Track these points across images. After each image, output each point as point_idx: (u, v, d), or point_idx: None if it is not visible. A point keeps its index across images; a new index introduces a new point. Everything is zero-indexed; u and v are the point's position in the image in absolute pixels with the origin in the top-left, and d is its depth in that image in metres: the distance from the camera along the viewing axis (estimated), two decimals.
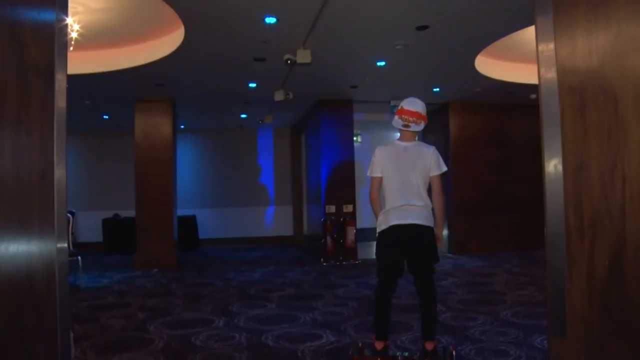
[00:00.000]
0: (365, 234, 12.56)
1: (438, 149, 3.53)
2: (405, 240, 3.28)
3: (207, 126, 11.88)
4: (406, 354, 3.51)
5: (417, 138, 3.48)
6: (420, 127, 3.40)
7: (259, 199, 12.46)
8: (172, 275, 7.71)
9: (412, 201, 3.28)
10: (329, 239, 8.74)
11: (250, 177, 12.36)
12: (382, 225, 3.40)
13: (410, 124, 3.37)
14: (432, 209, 3.34)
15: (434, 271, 3.33)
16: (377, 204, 3.44)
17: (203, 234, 11.91)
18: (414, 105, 3.40)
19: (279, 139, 12.58)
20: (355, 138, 11.48)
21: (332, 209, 9.05)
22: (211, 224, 12.14)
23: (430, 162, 3.35)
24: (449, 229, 9.84)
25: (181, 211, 10.67)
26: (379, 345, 3.37)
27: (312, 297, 5.88)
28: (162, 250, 8.48)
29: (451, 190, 9.76)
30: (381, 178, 3.42)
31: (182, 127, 11.49)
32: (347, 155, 9.23)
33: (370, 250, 10.49)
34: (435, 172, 3.35)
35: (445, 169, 3.41)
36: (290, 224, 12.56)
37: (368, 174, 3.50)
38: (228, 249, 11.67)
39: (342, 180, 9.15)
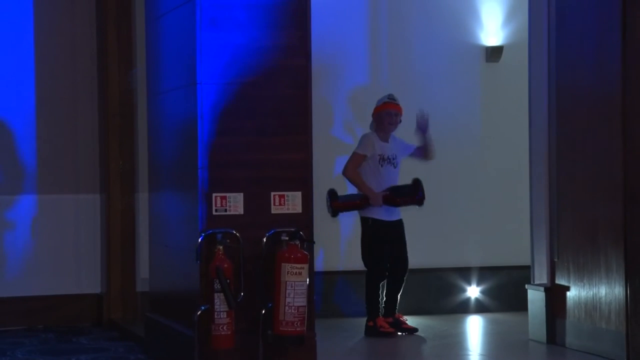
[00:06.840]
0: (345, 283, 9.84)
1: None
2: None
3: None
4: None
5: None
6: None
7: None
8: None
9: None
10: (218, 308, 5.43)
11: None
12: None
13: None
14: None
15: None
16: None
17: None
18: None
19: None
20: None
21: (231, 206, 5.73)
22: None
23: None
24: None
25: None
26: None
27: None
28: None
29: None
30: None
31: None
32: (285, 35, 6.00)
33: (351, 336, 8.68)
34: None
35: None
36: (95, 260, 8.44)
37: None
38: None
39: (267, 117, 5.93)
